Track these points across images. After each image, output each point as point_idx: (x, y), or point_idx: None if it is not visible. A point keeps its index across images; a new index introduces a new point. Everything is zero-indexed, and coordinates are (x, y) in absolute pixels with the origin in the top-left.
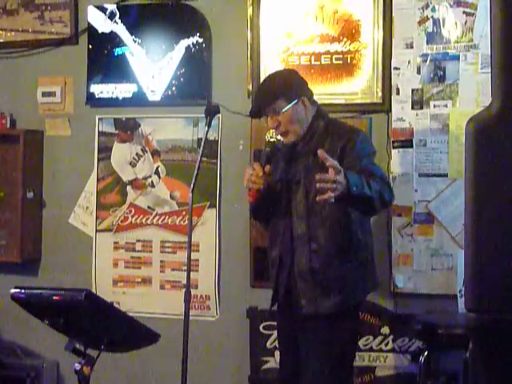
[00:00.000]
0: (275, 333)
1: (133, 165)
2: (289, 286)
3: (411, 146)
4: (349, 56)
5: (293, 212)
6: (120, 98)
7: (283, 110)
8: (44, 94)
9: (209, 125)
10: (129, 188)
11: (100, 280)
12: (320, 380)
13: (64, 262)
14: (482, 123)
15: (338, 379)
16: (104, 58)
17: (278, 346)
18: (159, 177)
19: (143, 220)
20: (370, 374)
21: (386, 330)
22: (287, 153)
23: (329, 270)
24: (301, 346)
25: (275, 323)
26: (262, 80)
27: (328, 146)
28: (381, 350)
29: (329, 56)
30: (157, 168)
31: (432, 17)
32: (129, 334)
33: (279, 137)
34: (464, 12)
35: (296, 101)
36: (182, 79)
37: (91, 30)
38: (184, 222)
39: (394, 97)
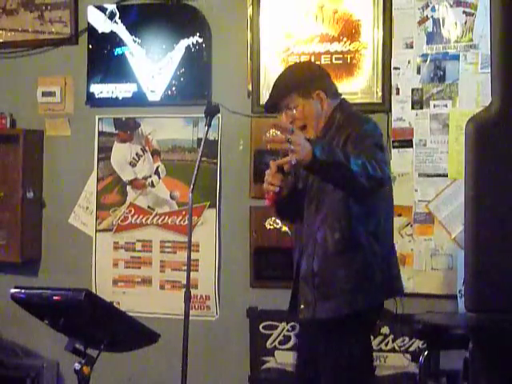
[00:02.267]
0: (275, 333)
1: (133, 165)
2: (297, 288)
3: (411, 146)
4: (349, 56)
5: (306, 210)
6: (120, 97)
7: (297, 105)
8: (44, 94)
9: (209, 125)
10: (129, 188)
11: (100, 280)
12: None
13: (64, 262)
14: (482, 123)
15: None
16: (104, 58)
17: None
18: (159, 177)
19: (143, 220)
20: None
21: (385, 329)
22: None
23: (327, 272)
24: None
25: (275, 323)
26: (265, 78)
27: (343, 141)
28: (381, 350)
29: (329, 56)
30: (157, 168)
31: (432, 17)
32: (129, 333)
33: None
34: (464, 12)
35: (310, 96)
36: (181, 79)
37: (91, 30)
38: (184, 221)
39: (393, 97)
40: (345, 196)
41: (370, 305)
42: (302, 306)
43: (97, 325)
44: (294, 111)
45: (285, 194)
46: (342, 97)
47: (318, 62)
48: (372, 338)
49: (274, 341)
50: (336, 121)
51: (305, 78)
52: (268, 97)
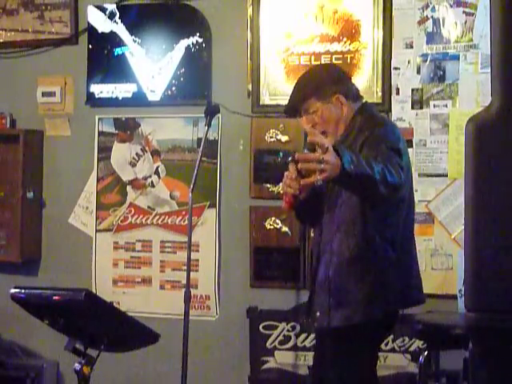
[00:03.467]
0: (275, 333)
1: (133, 165)
2: (312, 294)
3: (411, 146)
4: (349, 56)
5: (325, 215)
6: (120, 97)
7: (315, 109)
8: (44, 94)
9: (209, 125)
10: (129, 188)
11: (100, 280)
12: None
13: (64, 261)
14: (482, 123)
15: None
16: (104, 58)
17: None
18: (159, 177)
19: (143, 220)
20: None
21: None
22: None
23: (342, 279)
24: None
25: (275, 323)
26: (265, 78)
27: (360, 144)
28: (381, 350)
29: (329, 56)
30: (157, 168)
31: (432, 17)
32: (129, 334)
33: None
34: (464, 12)
35: (328, 99)
36: (181, 79)
37: (91, 29)
38: (184, 221)
39: (393, 97)
40: (359, 202)
41: (384, 314)
42: (318, 314)
43: (97, 325)
44: (314, 116)
45: (303, 197)
46: (364, 100)
47: (318, 62)
48: None
49: (273, 341)
50: (357, 124)
51: (323, 82)
52: (288, 101)
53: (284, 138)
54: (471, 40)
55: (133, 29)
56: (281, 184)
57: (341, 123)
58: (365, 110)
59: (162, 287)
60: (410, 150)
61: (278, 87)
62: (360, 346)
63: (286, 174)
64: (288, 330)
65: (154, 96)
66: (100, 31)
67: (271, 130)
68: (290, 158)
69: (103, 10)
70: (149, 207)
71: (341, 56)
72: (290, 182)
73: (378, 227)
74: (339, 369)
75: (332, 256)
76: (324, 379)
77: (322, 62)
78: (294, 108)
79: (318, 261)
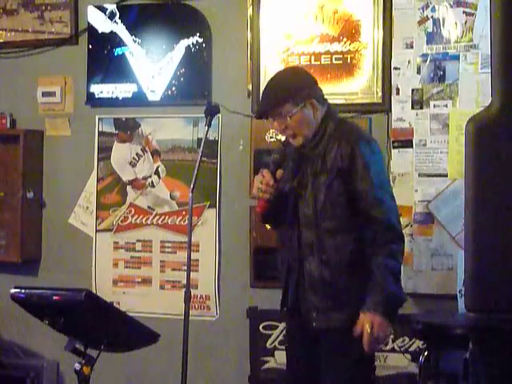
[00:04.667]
0: (275, 333)
1: (133, 165)
2: (297, 294)
3: (411, 146)
4: (349, 56)
5: (301, 219)
6: (120, 97)
7: (290, 114)
8: (44, 94)
9: (209, 125)
10: (129, 188)
11: (100, 280)
12: None
13: (64, 261)
14: (482, 123)
15: None
16: (104, 58)
17: (285, 349)
18: (159, 177)
19: (143, 220)
20: None
21: None
22: (296, 156)
23: (340, 281)
24: (313, 359)
25: (275, 323)
26: (265, 78)
27: (334, 151)
28: (381, 350)
29: (329, 56)
30: (157, 168)
31: (432, 17)
32: (129, 333)
33: (284, 138)
34: (464, 12)
35: (303, 104)
36: (182, 79)
37: (91, 30)
38: (184, 222)
39: (393, 97)
40: (344, 207)
41: None
42: (315, 315)
43: (97, 325)
44: (287, 120)
45: (273, 200)
46: (328, 102)
47: (318, 62)
48: None
49: (274, 341)
50: (328, 130)
51: (297, 87)
52: (260, 105)
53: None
54: (471, 40)
55: (133, 29)
56: (254, 189)
57: (311, 126)
58: (333, 114)
59: (162, 287)
60: (409, 149)
61: None
62: (357, 345)
63: (257, 178)
64: None
65: (154, 96)
66: (100, 31)
67: (271, 130)
68: (272, 157)
69: (103, 9)
70: (149, 207)
71: (341, 56)
72: (266, 187)
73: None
74: (345, 366)
75: (327, 259)
76: (321, 379)
77: (322, 62)
78: (267, 112)
79: (299, 260)
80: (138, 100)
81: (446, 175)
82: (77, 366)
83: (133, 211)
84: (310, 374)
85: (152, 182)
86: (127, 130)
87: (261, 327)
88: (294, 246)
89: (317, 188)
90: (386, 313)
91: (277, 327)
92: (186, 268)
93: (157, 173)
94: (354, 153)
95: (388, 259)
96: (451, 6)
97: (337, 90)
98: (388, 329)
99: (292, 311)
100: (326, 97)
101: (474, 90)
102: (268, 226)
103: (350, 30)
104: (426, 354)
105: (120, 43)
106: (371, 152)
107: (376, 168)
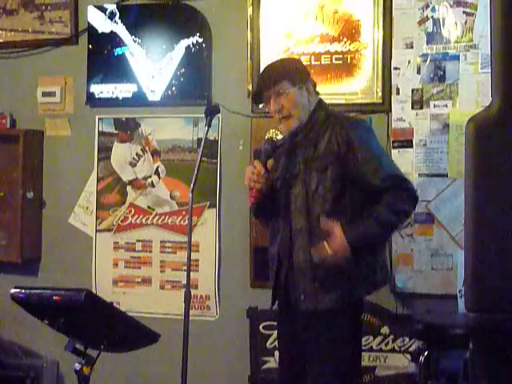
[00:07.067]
0: (275, 333)
1: (133, 165)
2: (287, 282)
3: (411, 146)
4: (349, 56)
5: (291, 206)
6: (120, 97)
7: (287, 91)
8: (44, 94)
9: (209, 125)
10: (129, 188)
11: (100, 280)
12: (323, 381)
13: (64, 261)
14: (482, 123)
15: (342, 379)
16: (104, 58)
17: (277, 346)
18: (159, 177)
19: (143, 220)
20: (370, 373)
21: (385, 330)
22: (287, 145)
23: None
24: (303, 346)
25: (275, 323)
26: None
27: (327, 137)
28: (381, 350)
29: (329, 56)
30: (157, 168)
31: (432, 17)
32: (129, 334)
33: (280, 127)
34: (464, 12)
35: (300, 85)
36: (182, 79)
37: (91, 30)
38: (184, 221)
39: (393, 97)
40: (339, 193)
41: (368, 293)
42: (302, 298)
43: (97, 325)
44: (283, 99)
45: (265, 191)
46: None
47: (318, 62)
48: (372, 337)
49: (274, 341)
50: (320, 118)
51: (296, 68)
52: (257, 85)
53: (280, 136)
54: (471, 40)
55: (133, 29)
56: (245, 180)
57: (305, 110)
58: (324, 106)
59: (162, 287)
60: (409, 149)
61: None
62: (348, 325)
63: (249, 169)
64: None
65: (154, 96)
66: (100, 31)
67: (271, 130)
68: (262, 148)
69: (103, 9)
70: (149, 207)
71: (341, 56)
72: (258, 178)
73: (360, 214)
74: (332, 347)
75: (317, 242)
76: (311, 360)
77: (322, 62)
78: (263, 92)
79: (291, 247)
80: (138, 100)
81: (446, 175)
82: (77, 365)
83: (133, 211)
84: (301, 366)
85: (152, 181)
86: (127, 130)
87: (261, 327)
88: (286, 235)
89: (308, 174)
90: (352, 244)
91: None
92: (186, 268)
93: (157, 173)
94: (349, 138)
95: (386, 210)
96: (451, 6)
97: (337, 90)
98: (344, 252)
99: (283, 305)
100: (325, 97)
101: (474, 90)
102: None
103: (350, 30)
104: (426, 354)
105: (120, 43)
106: (366, 132)
107: (375, 146)
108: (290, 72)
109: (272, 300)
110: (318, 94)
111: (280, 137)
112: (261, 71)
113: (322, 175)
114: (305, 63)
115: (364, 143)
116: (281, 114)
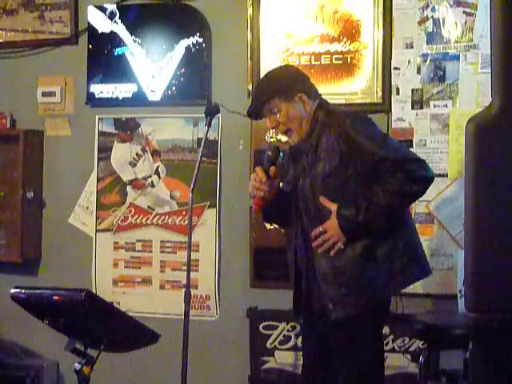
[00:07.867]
0: (275, 333)
1: (133, 165)
2: (309, 289)
3: (411, 146)
4: (349, 56)
5: (302, 211)
6: (120, 97)
7: (279, 108)
8: (44, 94)
9: (209, 125)
10: (129, 188)
11: (100, 280)
12: None
13: (64, 261)
14: (482, 123)
15: (369, 382)
16: (104, 58)
17: (302, 354)
18: (159, 177)
19: (143, 220)
20: None
21: (385, 329)
22: (293, 152)
23: (351, 268)
24: (330, 351)
25: (275, 323)
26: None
27: (328, 138)
28: None
29: (329, 56)
30: (157, 168)
31: (432, 17)
32: (129, 334)
33: (279, 137)
34: (464, 12)
35: (291, 98)
36: (182, 79)
37: (91, 29)
38: (184, 221)
39: (393, 97)
40: (346, 193)
41: (393, 293)
42: (331, 306)
43: (97, 325)
44: (278, 115)
45: (271, 197)
46: (321, 96)
47: (318, 62)
48: None
49: (274, 341)
50: (319, 119)
51: (285, 82)
52: (250, 105)
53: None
54: (471, 40)
55: (133, 29)
56: (249, 187)
57: (304, 121)
58: (323, 105)
59: (162, 287)
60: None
61: None
62: (372, 330)
63: (253, 176)
64: (288, 330)
65: (154, 96)
66: (100, 31)
67: (271, 130)
68: (265, 155)
69: (103, 9)
70: (149, 207)
71: (341, 56)
72: (260, 184)
73: None
74: (361, 351)
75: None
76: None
77: (322, 62)
78: (257, 110)
79: (307, 258)
80: (138, 100)
81: (446, 175)
82: (77, 365)
83: (133, 211)
84: (325, 369)
85: (152, 181)
86: (127, 129)
87: (261, 327)
88: (300, 243)
89: (314, 178)
90: (343, 229)
91: (277, 327)
92: (186, 268)
93: (157, 173)
94: (349, 134)
95: (382, 191)
96: (451, 6)
97: (337, 90)
98: (339, 238)
99: (305, 311)
100: (325, 97)
101: (474, 90)
102: (268, 226)
103: (350, 30)
104: (426, 354)
105: (120, 43)
106: (364, 124)
107: (377, 135)
108: (281, 87)
109: (294, 311)
110: (317, 97)
111: (280, 137)
112: (260, 74)
113: (328, 177)
114: (305, 63)
115: (366, 136)
116: (278, 130)
